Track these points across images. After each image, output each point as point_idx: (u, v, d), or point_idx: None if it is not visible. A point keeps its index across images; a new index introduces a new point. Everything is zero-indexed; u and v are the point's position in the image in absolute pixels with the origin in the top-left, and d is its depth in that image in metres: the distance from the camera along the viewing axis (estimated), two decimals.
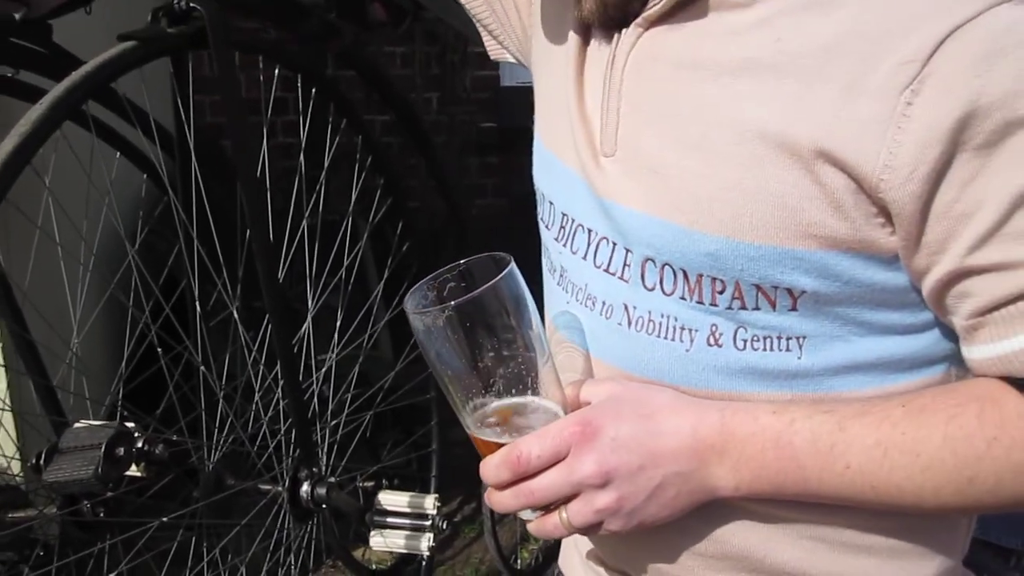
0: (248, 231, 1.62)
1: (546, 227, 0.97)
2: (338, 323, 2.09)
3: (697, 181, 0.78)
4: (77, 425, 1.50)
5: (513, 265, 0.75)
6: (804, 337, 0.77)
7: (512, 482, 0.78)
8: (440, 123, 4.27)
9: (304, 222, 1.84)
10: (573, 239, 0.90)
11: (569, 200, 0.91)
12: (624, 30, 0.85)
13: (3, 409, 1.70)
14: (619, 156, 0.84)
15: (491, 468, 0.78)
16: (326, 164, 1.93)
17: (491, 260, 0.78)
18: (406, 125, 2.18)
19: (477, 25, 1.17)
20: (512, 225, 3.76)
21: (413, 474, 2.50)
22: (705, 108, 0.78)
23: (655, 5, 0.81)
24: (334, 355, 2.06)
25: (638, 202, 0.82)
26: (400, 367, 2.22)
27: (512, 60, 1.15)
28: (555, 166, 0.94)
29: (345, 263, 2.02)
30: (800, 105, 0.73)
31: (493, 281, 0.73)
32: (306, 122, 1.84)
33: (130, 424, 1.57)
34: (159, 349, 1.82)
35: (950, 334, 0.78)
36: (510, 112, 4.32)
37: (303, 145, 1.86)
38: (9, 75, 1.79)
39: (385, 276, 2.21)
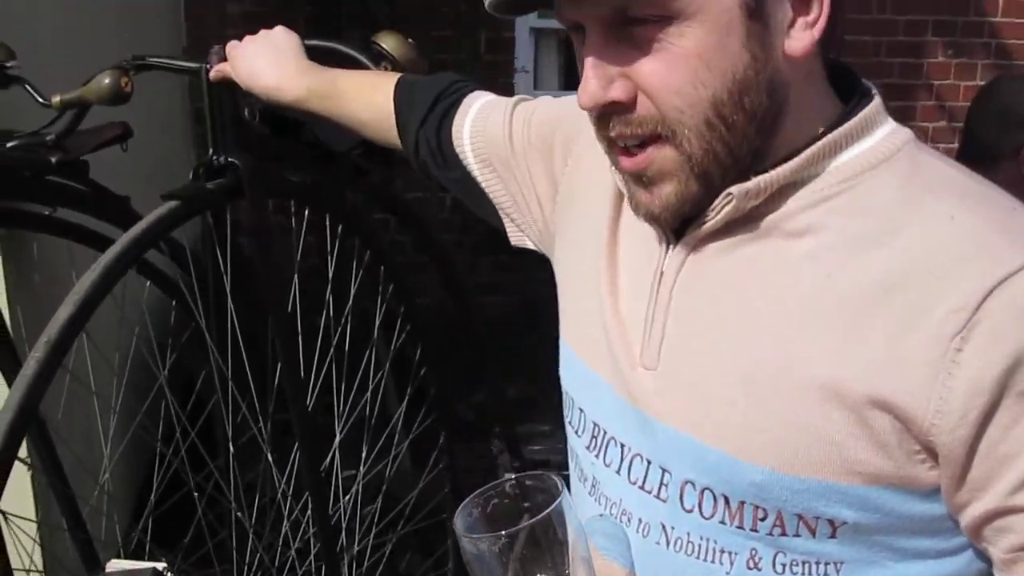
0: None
1: (575, 433, 0.98)
2: (365, 444, 2.12)
3: (743, 412, 0.80)
4: (111, 569, 1.52)
5: (565, 492, 0.78)
6: (842, 563, 0.80)
7: None
8: (452, 222, 4.33)
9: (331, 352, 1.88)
10: (605, 451, 0.92)
11: (602, 412, 0.93)
12: (672, 246, 0.88)
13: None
14: (662, 371, 0.86)
15: None
16: (352, 292, 1.97)
17: (539, 481, 0.80)
18: (424, 246, 2.23)
19: (498, 211, 1.20)
20: (525, 325, 3.81)
21: None
22: (753, 339, 0.81)
23: (707, 222, 0.84)
24: (361, 477, 2.10)
25: (681, 423, 0.84)
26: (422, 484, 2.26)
27: (532, 248, 1.18)
28: (587, 375, 0.96)
29: (370, 387, 2.06)
30: (849, 347, 0.76)
31: (547, 511, 0.76)
32: (333, 258, 1.89)
33: (161, 564, 1.59)
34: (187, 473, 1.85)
35: (982, 555, 0.80)
36: None
37: (330, 279, 1.91)
38: (47, 213, 1.85)
39: (407, 396, 2.24)
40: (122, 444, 1.84)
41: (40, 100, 1.57)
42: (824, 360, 0.77)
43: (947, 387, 0.72)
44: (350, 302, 1.97)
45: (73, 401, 1.85)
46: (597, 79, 0.81)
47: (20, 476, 1.69)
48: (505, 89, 4.30)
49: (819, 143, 0.82)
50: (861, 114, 0.84)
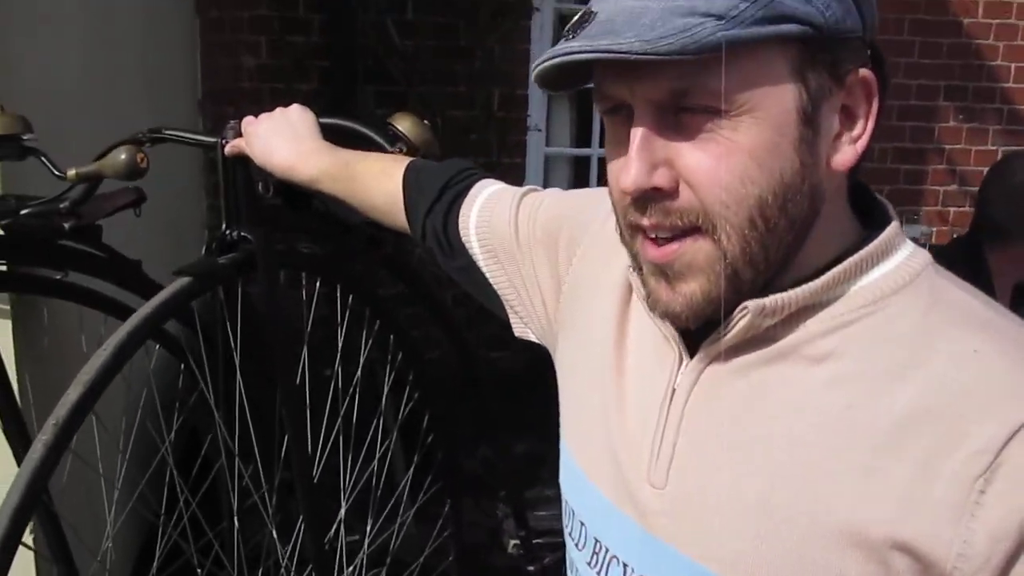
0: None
1: (576, 546, 0.96)
2: (371, 511, 2.11)
3: (755, 545, 0.78)
4: None
5: None
6: None
7: None
8: None
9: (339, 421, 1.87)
10: (607, 569, 0.90)
11: (604, 528, 0.91)
12: (686, 361, 0.86)
13: None
14: (670, 492, 0.84)
15: None
16: (361, 362, 1.97)
17: None
18: (435, 317, 2.23)
19: (503, 302, 1.19)
20: (535, 381, 3.80)
21: None
22: (768, 470, 0.79)
23: (722, 337, 0.82)
24: (367, 543, 2.08)
25: (689, 548, 0.82)
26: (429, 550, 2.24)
27: (535, 341, 1.16)
28: (585, 486, 0.94)
29: (377, 453, 2.05)
30: (870, 486, 0.74)
31: None
32: (343, 329, 1.88)
33: None
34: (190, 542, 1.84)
35: None
36: None
37: (339, 348, 1.90)
38: (58, 277, 1.85)
39: (414, 464, 2.23)
40: (123, 514, 1.82)
41: (56, 173, 1.58)
42: (843, 499, 0.75)
43: (970, 529, 0.70)
44: (359, 370, 1.96)
45: (76, 464, 1.84)
46: (642, 163, 0.77)
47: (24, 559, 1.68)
48: (517, 148, 4.34)
49: (841, 266, 0.81)
50: (882, 236, 0.83)
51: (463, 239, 1.21)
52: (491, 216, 1.19)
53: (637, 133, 0.78)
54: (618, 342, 0.95)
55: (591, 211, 1.07)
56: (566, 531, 1.00)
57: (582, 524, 0.96)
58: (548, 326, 1.11)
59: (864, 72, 0.80)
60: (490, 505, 3.29)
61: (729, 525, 0.80)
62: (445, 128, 4.13)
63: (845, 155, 0.81)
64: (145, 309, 1.36)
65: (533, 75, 0.80)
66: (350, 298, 1.89)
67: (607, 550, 0.91)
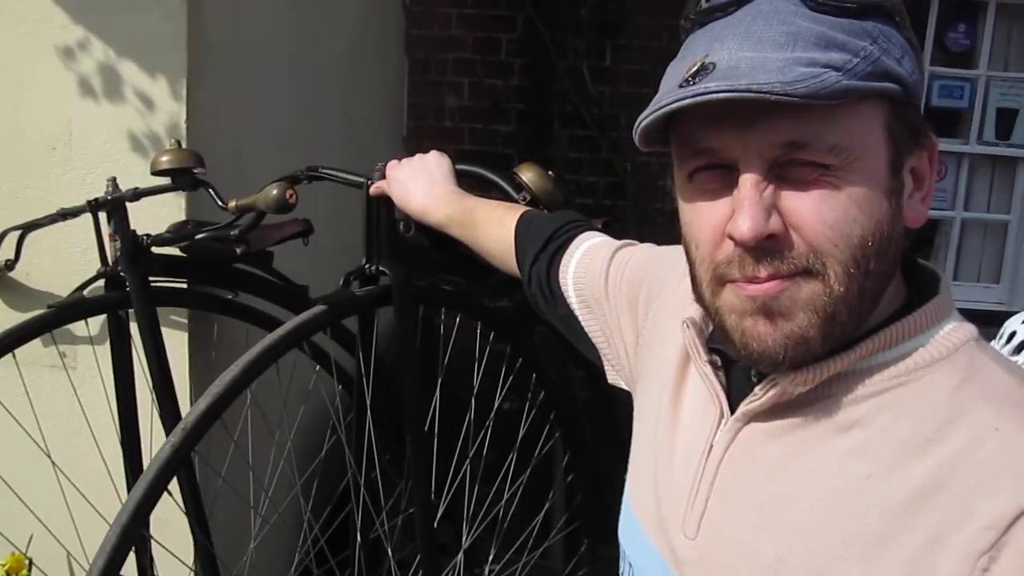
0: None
1: None
2: (493, 548, 2.16)
3: None
4: None
5: None
6: None
7: None
8: None
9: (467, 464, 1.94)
10: None
11: (647, 571, 0.95)
12: (725, 420, 0.89)
13: None
14: (699, 543, 0.88)
15: None
16: (497, 401, 2.03)
17: None
18: (577, 359, 2.26)
19: (597, 350, 1.24)
20: None
21: None
22: (785, 529, 0.81)
23: (755, 400, 0.85)
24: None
25: None
26: None
27: (626, 388, 1.20)
28: (637, 532, 0.98)
29: (506, 493, 2.11)
30: (879, 553, 0.75)
31: None
32: (481, 365, 1.96)
33: None
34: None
35: None
36: None
37: (476, 385, 1.98)
38: (229, 297, 2.02)
39: (562, 483, 2.28)
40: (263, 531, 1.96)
41: (220, 203, 1.73)
42: (852, 566, 0.76)
43: None
44: (495, 407, 2.03)
45: (230, 476, 1.99)
46: (758, 210, 0.78)
47: None
48: None
49: (879, 335, 0.81)
50: (929, 306, 0.83)
51: (562, 289, 1.27)
52: (587, 268, 1.24)
53: (749, 179, 0.79)
54: (676, 395, 0.98)
55: (673, 268, 1.10)
56: (620, 571, 1.04)
57: (631, 565, 1.00)
58: (630, 376, 1.15)
59: (934, 138, 0.85)
60: None
61: None
62: (635, 175, 4.18)
63: (916, 212, 0.84)
64: (278, 332, 1.48)
65: (650, 119, 0.80)
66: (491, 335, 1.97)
67: None
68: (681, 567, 0.89)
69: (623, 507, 1.05)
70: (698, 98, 0.75)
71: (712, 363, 0.92)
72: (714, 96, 0.74)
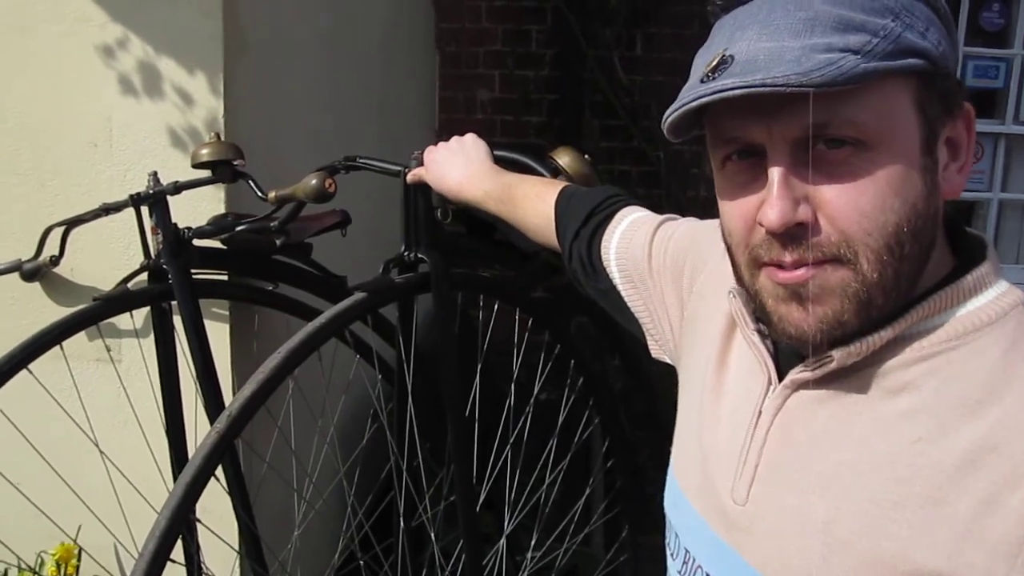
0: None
1: (671, 555, 1.01)
2: (536, 533, 2.18)
3: (817, 563, 0.81)
4: None
5: None
6: None
7: None
8: None
9: (508, 449, 1.95)
10: None
11: (693, 540, 0.96)
12: (773, 387, 0.90)
13: None
14: (749, 509, 0.88)
15: None
16: (536, 389, 2.04)
17: None
18: (614, 345, 2.27)
19: (640, 324, 1.24)
20: None
21: None
22: (835, 493, 0.82)
23: (807, 370, 0.85)
24: (528, 564, 2.15)
25: (760, 563, 0.86)
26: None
27: (670, 363, 1.21)
28: (682, 501, 0.99)
29: (547, 479, 2.12)
30: (930, 516, 0.76)
31: None
32: (520, 351, 1.97)
33: None
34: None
35: None
36: None
37: (515, 373, 1.99)
38: (270, 288, 2.05)
39: (601, 470, 2.29)
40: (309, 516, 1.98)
41: (259, 194, 1.75)
42: (903, 529, 0.76)
43: None
44: (534, 394, 2.04)
45: (274, 458, 2.02)
46: (786, 200, 0.80)
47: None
48: None
49: (927, 302, 0.82)
50: (976, 272, 0.83)
51: (604, 264, 1.28)
52: (630, 243, 1.25)
53: (776, 171, 0.81)
54: (719, 365, 0.99)
55: (717, 242, 1.10)
56: (665, 541, 1.05)
57: (676, 535, 1.01)
58: (675, 350, 1.16)
59: (968, 105, 0.84)
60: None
61: (796, 545, 0.83)
62: (668, 163, 4.17)
63: (953, 184, 0.84)
64: (319, 320, 1.50)
65: (676, 114, 0.81)
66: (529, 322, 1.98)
67: (694, 559, 0.96)
68: (731, 534, 0.90)
69: (668, 479, 1.06)
70: (716, 95, 0.77)
71: (759, 331, 0.92)
72: (730, 93, 0.76)
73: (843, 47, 0.75)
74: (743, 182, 0.84)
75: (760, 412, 0.90)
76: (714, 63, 0.80)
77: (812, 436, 0.85)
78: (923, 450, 0.77)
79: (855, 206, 0.78)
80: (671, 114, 0.82)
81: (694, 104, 0.79)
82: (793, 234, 0.81)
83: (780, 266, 0.83)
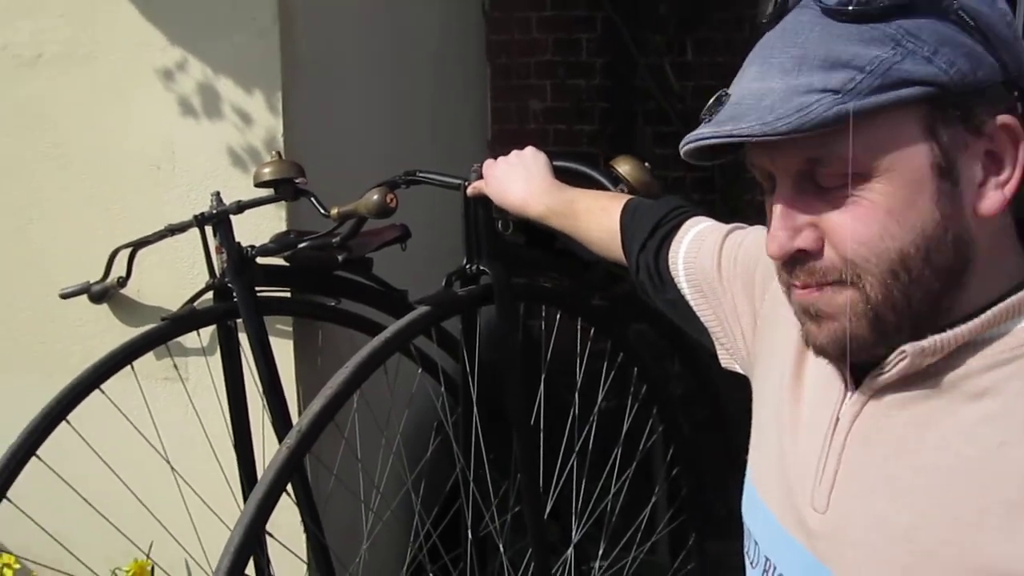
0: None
1: (751, 564, 1.00)
2: (603, 542, 2.17)
3: (901, 572, 0.80)
4: None
5: None
6: None
7: None
8: None
9: (574, 457, 1.95)
10: None
11: (774, 548, 0.95)
12: (851, 393, 0.89)
13: None
14: (830, 516, 0.87)
15: None
16: (600, 398, 2.04)
17: None
18: (679, 353, 2.26)
19: (710, 334, 1.23)
20: None
21: None
22: (917, 500, 0.80)
23: (883, 374, 0.84)
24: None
25: (843, 571, 0.85)
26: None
27: (741, 372, 1.20)
28: (761, 509, 0.98)
29: (613, 488, 2.11)
30: (1016, 521, 0.74)
31: None
32: (583, 360, 1.97)
33: None
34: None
35: None
36: None
37: (578, 382, 1.98)
38: (332, 304, 2.07)
39: (665, 478, 2.27)
40: (378, 527, 1.99)
41: (322, 211, 1.77)
42: (989, 535, 0.75)
43: None
44: (598, 403, 2.04)
45: (342, 474, 2.03)
46: (785, 230, 0.82)
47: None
48: None
49: (1002, 304, 0.80)
50: None
51: (672, 274, 1.27)
52: (698, 253, 1.24)
53: (778, 204, 0.83)
54: (797, 373, 0.98)
55: None
56: (744, 550, 1.04)
57: (756, 543, 1.00)
58: (747, 358, 1.15)
59: (1004, 119, 0.80)
60: (739, 544, 3.25)
61: (879, 553, 0.82)
62: (722, 168, 4.14)
63: (991, 201, 0.80)
64: (385, 334, 1.52)
65: (682, 154, 0.86)
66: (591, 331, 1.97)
67: (775, 568, 0.95)
68: (813, 542, 0.88)
69: (745, 487, 1.05)
70: (695, 143, 0.82)
71: None
72: (704, 143, 0.81)
73: (823, 87, 0.76)
74: (769, 205, 0.86)
75: (838, 419, 0.89)
76: (714, 101, 0.84)
77: (891, 441, 0.84)
78: (1007, 454, 0.76)
79: (854, 234, 0.79)
80: (682, 151, 0.86)
81: (684, 149, 0.84)
82: (796, 259, 0.84)
83: (792, 287, 0.87)
